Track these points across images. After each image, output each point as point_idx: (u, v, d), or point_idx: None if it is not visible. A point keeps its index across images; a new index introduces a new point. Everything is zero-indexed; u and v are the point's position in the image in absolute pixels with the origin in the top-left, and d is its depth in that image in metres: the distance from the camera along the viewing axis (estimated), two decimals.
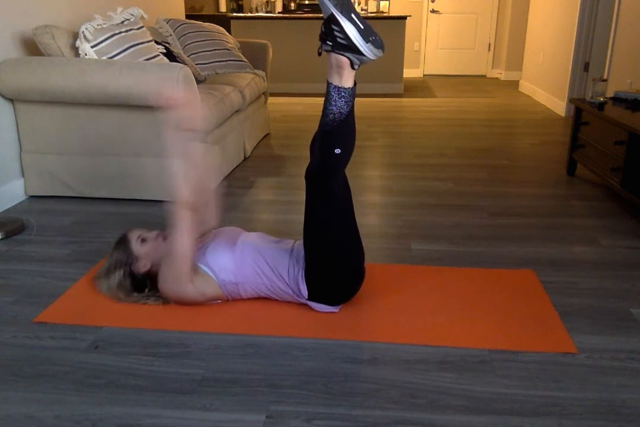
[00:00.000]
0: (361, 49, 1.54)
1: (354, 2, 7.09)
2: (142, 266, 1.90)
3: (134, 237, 1.93)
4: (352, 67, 1.59)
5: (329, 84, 1.62)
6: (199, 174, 1.96)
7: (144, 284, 1.92)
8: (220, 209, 2.13)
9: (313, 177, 1.71)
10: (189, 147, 1.83)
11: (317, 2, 7.98)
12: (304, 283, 1.81)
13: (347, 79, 1.60)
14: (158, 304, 1.90)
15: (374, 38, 1.54)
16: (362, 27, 1.54)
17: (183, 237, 1.78)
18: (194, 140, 1.91)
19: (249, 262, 1.85)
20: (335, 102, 1.61)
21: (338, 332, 1.76)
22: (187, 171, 1.79)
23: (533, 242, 2.48)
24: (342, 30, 1.53)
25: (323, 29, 1.57)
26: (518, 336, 1.75)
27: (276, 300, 1.92)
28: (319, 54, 1.62)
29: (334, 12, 1.53)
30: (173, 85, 1.79)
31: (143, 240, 1.93)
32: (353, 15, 1.54)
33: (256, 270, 1.85)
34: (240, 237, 1.93)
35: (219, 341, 1.73)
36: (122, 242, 1.93)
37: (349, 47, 1.54)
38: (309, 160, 1.75)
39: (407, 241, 2.49)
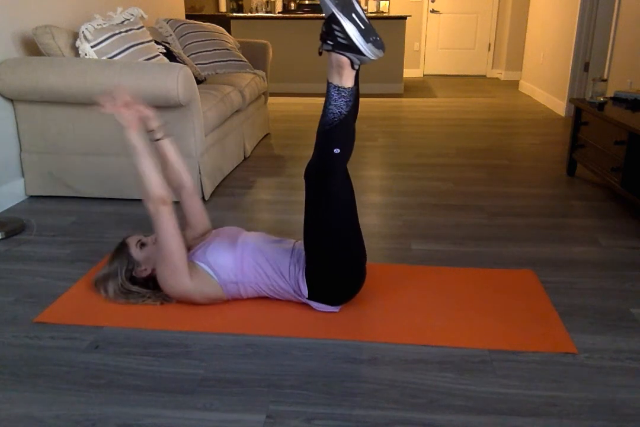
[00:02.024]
0: (362, 49, 1.54)
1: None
2: (143, 270, 1.91)
3: (133, 242, 1.94)
4: (353, 67, 1.59)
5: (329, 83, 1.62)
6: (169, 169, 2.00)
7: (146, 287, 1.93)
8: (203, 206, 2.13)
9: (312, 176, 1.71)
10: (151, 144, 1.86)
11: (317, 2, 7.96)
12: (305, 282, 1.81)
13: (347, 79, 1.60)
14: (157, 304, 1.90)
15: (374, 38, 1.54)
16: (362, 27, 1.54)
17: (167, 232, 1.78)
18: (154, 137, 1.96)
19: (250, 261, 1.85)
20: (335, 101, 1.61)
21: (338, 332, 1.76)
22: (155, 168, 1.79)
23: (533, 242, 2.48)
24: (342, 30, 1.53)
25: (324, 29, 1.57)
26: (518, 336, 1.75)
27: (276, 300, 1.92)
28: (320, 53, 1.62)
29: (334, 12, 1.53)
30: (114, 89, 1.84)
31: (142, 245, 1.94)
32: (354, 15, 1.54)
33: (257, 269, 1.85)
34: (241, 237, 1.93)
35: (219, 341, 1.73)
36: (122, 248, 1.94)
37: (350, 47, 1.54)
38: (309, 160, 1.75)
39: (407, 240, 2.49)
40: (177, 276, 1.81)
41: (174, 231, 1.79)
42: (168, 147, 2.00)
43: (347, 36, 1.53)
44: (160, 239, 1.79)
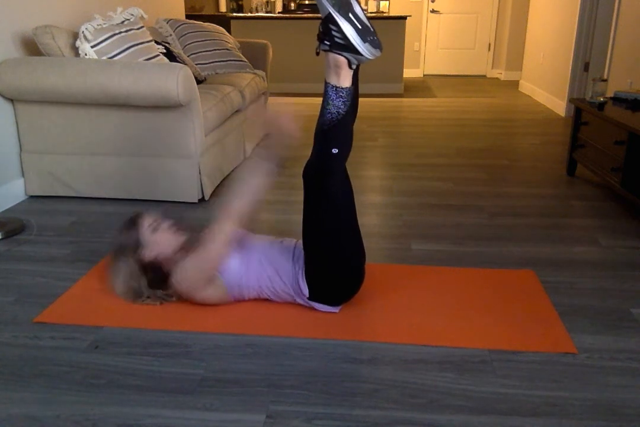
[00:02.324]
0: (359, 48, 1.54)
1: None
2: (148, 255, 1.87)
3: (145, 223, 1.89)
4: (350, 67, 1.59)
5: (326, 83, 1.62)
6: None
7: (150, 272, 1.89)
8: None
9: (310, 176, 1.71)
10: (266, 169, 1.82)
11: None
12: (305, 282, 1.80)
13: (344, 79, 1.60)
14: (156, 304, 1.90)
15: (372, 38, 1.54)
16: (360, 26, 1.53)
17: (221, 247, 1.77)
18: (272, 164, 1.87)
19: (255, 266, 1.84)
20: (333, 101, 1.61)
21: (338, 332, 1.76)
22: (254, 191, 1.78)
23: (533, 242, 2.48)
24: (339, 30, 1.53)
25: (321, 29, 1.57)
26: (518, 336, 1.75)
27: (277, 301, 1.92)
28: (317, 53, 1.62)
29: (331, 12, 1.53)
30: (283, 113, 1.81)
31: (154, 228, 1.89)
32: (351, 15, 1.54)
33: (261, 273, 1.84)
34: (247, 241, 1.92)
35: (219, 341, 1.73)
36: (132, 226, 1.89)
37: (347, 47, 1.54)
38: (308, 159, 1.75)
39: (407, 240, 2.49)
40: (196, 284, 1.80)
41: (225, 250, 1.79)
42: (268, 175, 1.92)
43: (344, 36, 1.53)
44: (213, 248, 1.76)
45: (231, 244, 1.80)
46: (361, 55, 1.55)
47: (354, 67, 1.59)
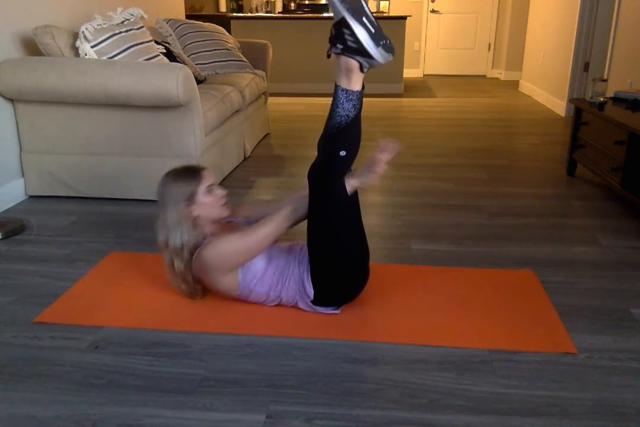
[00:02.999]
0: (372, 52, 1.54)
1: None
2: (192, 211, 1.82)
3: (206, 181, 1.85)
4: (362, 71, 1.59)
5: (337, 86, 1.62)
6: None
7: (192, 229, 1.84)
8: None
9: (316, 177, 1.70)
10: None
11: (317, 2, 7.93)
12: (310, 283, 1.79)
13: (355, 82, 1.60)
14: (186, 295, 1.89)
15: (384, 42, 1.54)
16: (373, 30, 1.53)
17: (270, 238, 1.77)
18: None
19: (270, 275, 1.83)
20: (343, 104, 1.61)
21: (338, 332, 1.76)
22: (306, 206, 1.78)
23: (533, 242, 2.48)
24: (353, 34, 1.53)
25: (333, 32, 1.56)
26: (518, 336, 1.75)
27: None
28: (329, 56, 1.61)
29: (345, 16, 1.53)
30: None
31: (210, 191, 1.85)
32: (364, 19, 1.53)
33: (272, 281, 1.84)
34: (275, 250, 1.90)
35: (219, 341, 1.73)
36: (195, 177, 1.84)
37: (360, 51, 1.54)
38: (314, 160, 1.74)
39: (407, 240, 2.49)
40: (220, 266, 1.76)
41: (271, 240, 1.78)
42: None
43: (357, 40, 1.53)
44: (258, 236, 1.75)
45: (275, 237, 1.79)
46: (374, 59, 1.55)
47: (365, 71, 1.59)
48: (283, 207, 1.81)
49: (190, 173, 1.86)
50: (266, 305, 1.90)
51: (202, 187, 1.84)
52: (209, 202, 1.84)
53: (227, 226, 1.96)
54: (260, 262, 1.82)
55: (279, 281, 1.83)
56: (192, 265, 1.83)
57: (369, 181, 1.76)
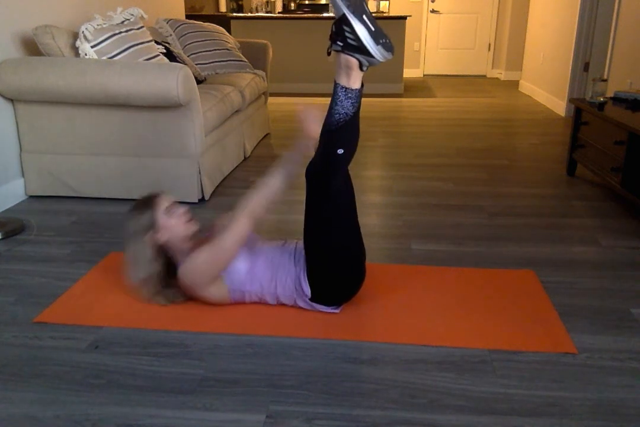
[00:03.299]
0: (371, 50, 1.54)
1: None
2: (160, 237, 1.84)
3: (162, 205, 1.86)
4: (361, 69, 1.59)
5: (336, 84, 1.62)
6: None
7: (163, 257, 1.87)
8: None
9: (313, 175, 1.71)
10: (288, 172, 1.83)
11: (317, 2, 7.92)
12: (307, 282, 1.80)
13: (355, 80, 1.60)
14: (167, 304, 1.90)
15: (384, 41, 1.54)
16: (373, 29, 1.54)
17: (236, 243, 1.76)
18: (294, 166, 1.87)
19: (260, 271, 1.84)
20: (342, 102, 1.61)
21: (338, 332, 1.76)
22: (274, 189, 1.79)
23: (533, 242, 2.48)
24: (353, 31, 1.53)
25: (334, 29, 1.56)
26: (518, 336, 1.75)
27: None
28: (329, 53, 1.62)
29: (346, 13, 1.53)
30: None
31: (170, 213, 1.86)
32: (365, 17, 1.54)
33: (265, 279, 1.84)
34: (257, 247, 1.91)
35: (219, 341, 1.73)
36: (148, 206, 1.86)
37: (359, 49, 1.54)
38: (311, 158, 1.75)
39: (407, 240, 2.49)
40: (201, 278, 1.79)
41: (239, 245, 1.77)
42: (289, 177, 1.90)
43: (357, 38, 1.53)
44: (226, 243, 1.75)
45: (244, 239, 1.78)
46: (373, 57, 1.55)
47: (364, 69, 1.59)
48: (244, 206, 1.79)
49: (143, 203, 1.88)
50: (267, 303, 1.90)
51: (160, 212, 1.85)
52: (173, 223, 1.86)
53: (205, 239, 1.95)
54: (241, 263, 1.83)
55: (272, 278, 1.84)
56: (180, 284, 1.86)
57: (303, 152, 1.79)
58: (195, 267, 1.78)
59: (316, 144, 1.78)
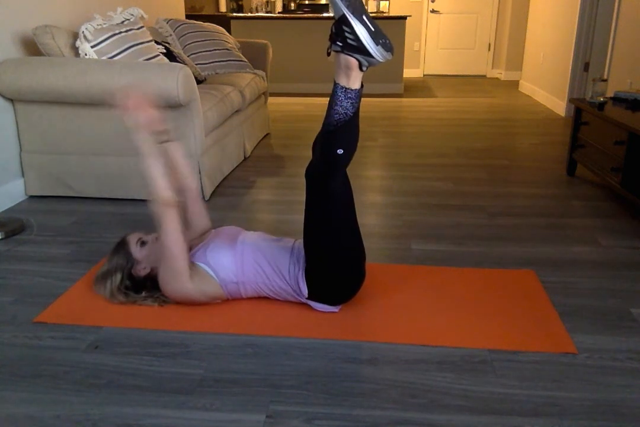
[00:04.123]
0: (371, 51, 1.54)
1: None
2: (142, 269, 1.90)
3: (133, 240, 1.93)
4: (361, 69, 1.59)
5: (336, 84, 1.62)
6: (175, 172, 1.99)
7: (144, 286, 1.92)
8: (205, 208, 2.14)
9: (313, 176, 1.71)
10: (159, 147, 1.85)
11: (317, 2, 7.93)
12: (304, 282, 1.81)
13: (354, 80, 1.60)
14: (155, 305, 1.90)
15: (384, 41, 1.55)
16: (372, 29, 1.54)
17: (172, 235, 1.78)
18: (161, 140, 1.91)
19: (250, 261, 1.85)
20: (342, 102, 1.61)
21: (338, 332, 1.76)
22: (162, 170, 1.79)
23: (533, 242, 2.48)
24: (352, 32, 1.53)
25: (333, 30, 1.57)
26: (518, 336, 1.75)
27: (276, 300, 1.92)
28: (328, 54, 1.62)
29: (345, 13, 1.53)
30: (124, 89, 1.81)
31: (143, 243, 1.93)
32: (364, 17, 1.54)
33: (257, 269, 1.85)
34: (240, 237, 1.93)
35: (219, 341, 1.73)
36: (122, 246, 1.93)
37: (359, 49, 1.54)
38: (311, 159, 1.75)
39: (407, 240, 2.49)
40: (178, 279, 1.81)
41: (178, 234, 1.79)
42: (174, 149, 2.01)
43: (357, 38, 1.53)
44: (164, 241, 1.79)
45: (177, 226, 1.80)
46: (373, 57, 1.55)
47: (364, 69, 1.59)
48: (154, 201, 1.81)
49: (115, 248, 1.95)
50: (265, 295, 1.90)
51: (133, 247, 1.91)
52: (149, 252, 1.92)
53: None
54: (224, 257, 1.85)
55: (267, 272, 1.85)
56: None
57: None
58: (166, 282, 1.83)
59: (157, 119, 1.82)
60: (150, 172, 1.78)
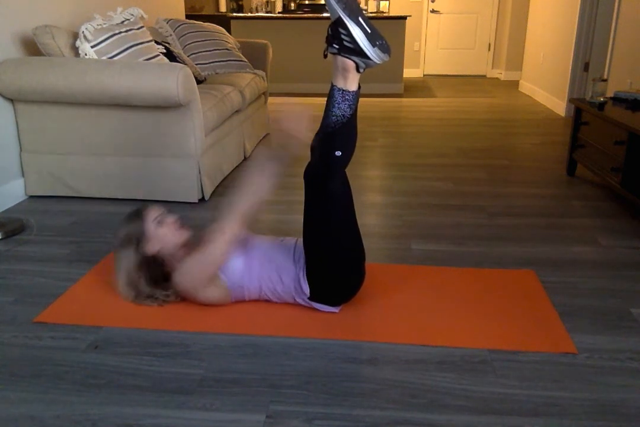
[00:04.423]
0: (368, 52, 1.54)
1: None
2: (151, 248, 1.85)
3: (151, 216, 1.88)
4: (358, 71, 1.59)
5: (333, 86, 1.62)
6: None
7: (152, 267, 1.88)
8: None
9: (312, 177, 1.71)
10: (272, 170, 1.80)
11: (317, 2, 7.93)
12: (306, 281, 1.80)
13: (352, 82, 1.60)
14: (154, 305, 1.89)
15: (380, 42, 1.55)
16: (369, 31, 1.54)
17: (225, 246, 1.75)
18: (278, 164, 1.84)
19: (257, 266, 1.84)
20: (339, 104, 1.61)
21: (338, 332, 1.76)
22: (259, 191, 1.77)
23: (533, 242, 2.48)
24: (349, 34, 1.53)
25: (330, 32, 1.56)
26: (518, 336, 1.75)
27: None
28: (325, 56, 1.62)
29: (341, 15, 1.53)
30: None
31: (159, 222, 1.88)
32: (360, 19, 1.54)
33: (262, 274, 1.84)
34: (250, 241, 1.92)
35: (219, 341, 1.73)
36: (137, 218, 1.88)
37: (356, 51, 1.54)
38: (309, 160, 1.75)
39: (407, 241, 2.49)
40: (197, 282, 1.80)
41: (227, 253, 1.77)
42: (273, 177, 1.89)
43: (353, 40, 1.53)
44: (211, 253, 1.75)
45: (234, 244, 1.79)
46: (370, 59, 1.55)
47: (361, 71, 1.59)
48: (231, 208, 1.79)
49: (132, 215, 1.90)
50: (267, 299, 1.90)
51: (149, 223, 1.86)
52: (163, 232, 1.87)
53: (195, 244, 1.94)
54: (235, 260, 1.83)
55: (271, 274, 1.84)
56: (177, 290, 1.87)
57: (287, 160, 1.77)
58: (188, 274, 1.79)
59: (300, 143, 1.77)
60: (251, 195, 1.77)
